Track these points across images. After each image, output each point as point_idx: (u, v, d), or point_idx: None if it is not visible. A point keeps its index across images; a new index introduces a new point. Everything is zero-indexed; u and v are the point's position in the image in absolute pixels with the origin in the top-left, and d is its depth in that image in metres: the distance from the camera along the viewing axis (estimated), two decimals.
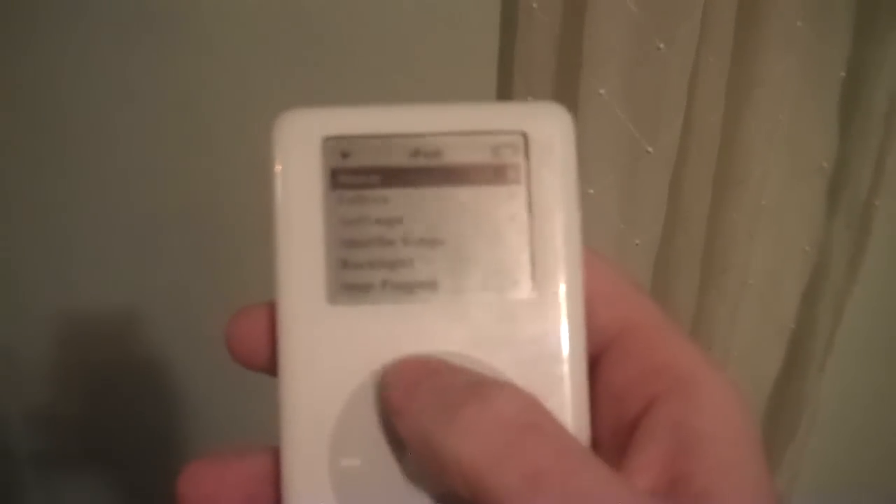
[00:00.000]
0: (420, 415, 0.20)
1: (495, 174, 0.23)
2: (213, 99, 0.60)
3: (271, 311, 0.23)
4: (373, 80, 0.59)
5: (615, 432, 0.21)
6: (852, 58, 0.59)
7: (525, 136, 0.23)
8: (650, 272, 0.61)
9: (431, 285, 0.23)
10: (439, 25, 0.59)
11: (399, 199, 0.23)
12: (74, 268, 0.66)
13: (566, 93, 0.56)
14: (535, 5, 0.55)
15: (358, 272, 0.23)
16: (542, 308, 0.22)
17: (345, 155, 0.23)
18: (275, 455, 0.22)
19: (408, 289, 0.23)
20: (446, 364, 0.21)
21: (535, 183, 0.23)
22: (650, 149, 0.56)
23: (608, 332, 0.22)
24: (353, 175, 0.23)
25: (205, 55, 0.59)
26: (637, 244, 0.59)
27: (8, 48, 0.58)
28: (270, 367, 0.22)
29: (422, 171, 0.23)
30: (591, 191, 0.58)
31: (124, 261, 0.66)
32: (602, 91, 0.55)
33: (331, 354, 0.22)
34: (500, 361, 0.22)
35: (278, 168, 0.23)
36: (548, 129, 0.23)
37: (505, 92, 0.60)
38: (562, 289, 0.23)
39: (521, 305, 0.23)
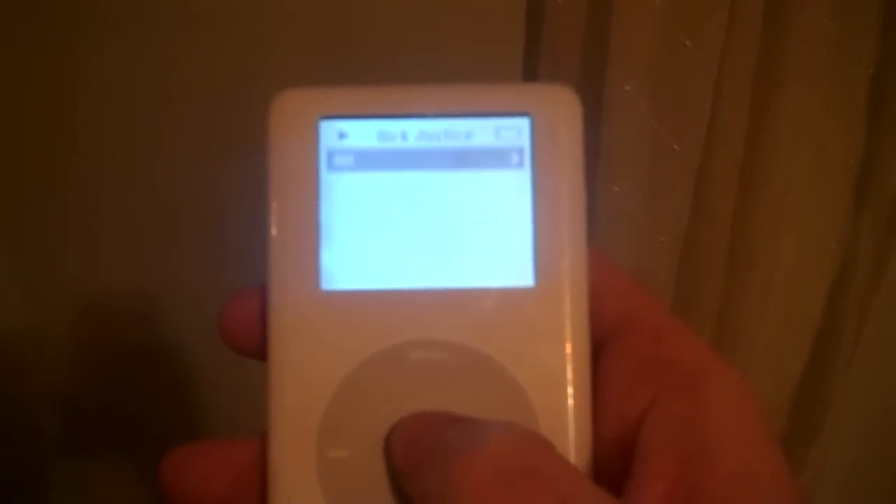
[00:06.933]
0: (421, 475, 0.19)
1: (499, 157, 0.22)
2: (234, 89, 0.60)
3: (264, 294, 0.22)
4: (396, 75, 0.59)
5: (619, 424, 0.20)
6: (881, 55, 0.59)
7: (530, 118, 0.22)
8: (675, 270, 0.61)
9: (429, 271, 0.22)
10: (464, 20, 0.59)
11: (397, 182, 0.22)
12: (100, 253, 0.66)
13: (591, 89, 0.56)
14: (560, 1, 0.55)
15: (353, 256, 0.22)
16: (544, 297, 0.21)
17: (342, 136, 0.22)
18: (261, 444, 0.21)
19: (404, 274, 0.22)
20: (443, 416, 0.20)
21: (539, 167, 0.22)
22: (676, 146, 0.56)
23: (611, 323, 0.21)
24: (350, 156, 0.22)
25: (220, 48, 0.59)
26: (662, 241, 0.59)
27: (33, 42, 0.59)
28: (261, 352, 0.22)
29: (421, 153, 0.22)
30: (616, 188, 0.57)
31: (148, 247, 0.66)
32: (627, 87, 0.54)
33: (322, 341, 0.21)
34: (498, 351, 0.21)
35: (273, 148, 0.22)
36: (554, 111, 0.22)
37: None
38: (565, 277, 0.21)
39: (522, 294, 0.22)
